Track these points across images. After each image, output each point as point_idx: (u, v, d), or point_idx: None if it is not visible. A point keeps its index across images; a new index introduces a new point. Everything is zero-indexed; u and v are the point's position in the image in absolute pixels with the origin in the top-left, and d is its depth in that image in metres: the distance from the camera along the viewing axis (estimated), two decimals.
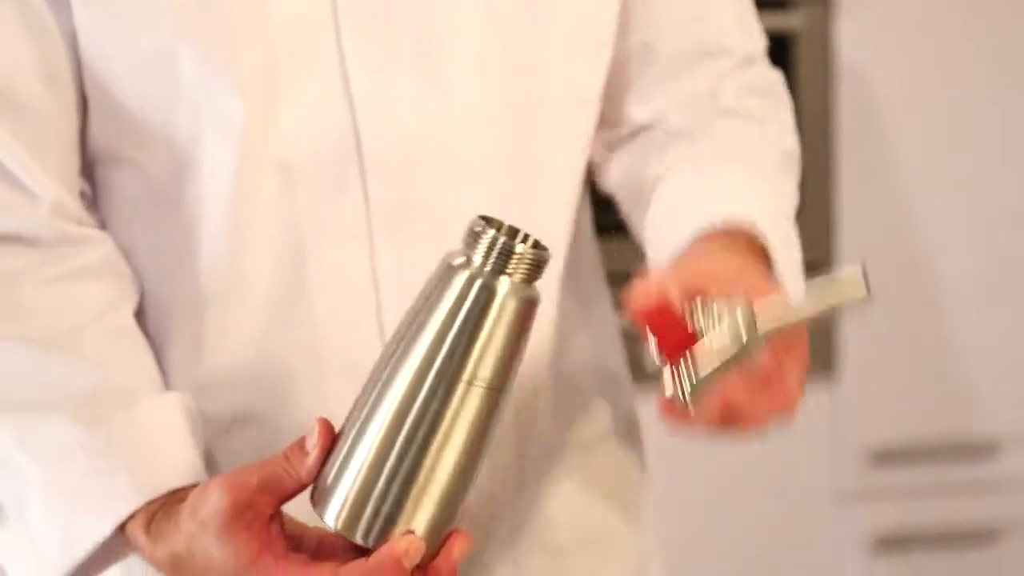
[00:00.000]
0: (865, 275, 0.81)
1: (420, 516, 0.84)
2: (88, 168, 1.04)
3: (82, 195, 1.03)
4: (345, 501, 0.84)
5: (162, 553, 0.91)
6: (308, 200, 0.99)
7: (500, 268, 0.82)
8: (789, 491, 2.22)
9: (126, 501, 0.93)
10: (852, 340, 2.21)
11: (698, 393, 0.84)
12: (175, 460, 0.96)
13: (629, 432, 1.16)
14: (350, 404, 0.87)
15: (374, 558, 0.84)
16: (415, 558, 0.84)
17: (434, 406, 0.83)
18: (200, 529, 0.88)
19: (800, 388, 0.90)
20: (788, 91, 1.14)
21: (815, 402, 2.21)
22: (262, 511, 0.87)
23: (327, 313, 1.00)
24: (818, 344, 2.18)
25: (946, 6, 2.17)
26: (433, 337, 0.82)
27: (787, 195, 1.09)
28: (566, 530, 1.10)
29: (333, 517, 0.84)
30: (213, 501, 0.87)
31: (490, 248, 0.82)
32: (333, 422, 0.88)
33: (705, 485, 2.19)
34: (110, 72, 0.98)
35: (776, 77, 1.14)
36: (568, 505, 1.10)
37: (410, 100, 0.99)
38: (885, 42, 2.17)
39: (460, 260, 0.83)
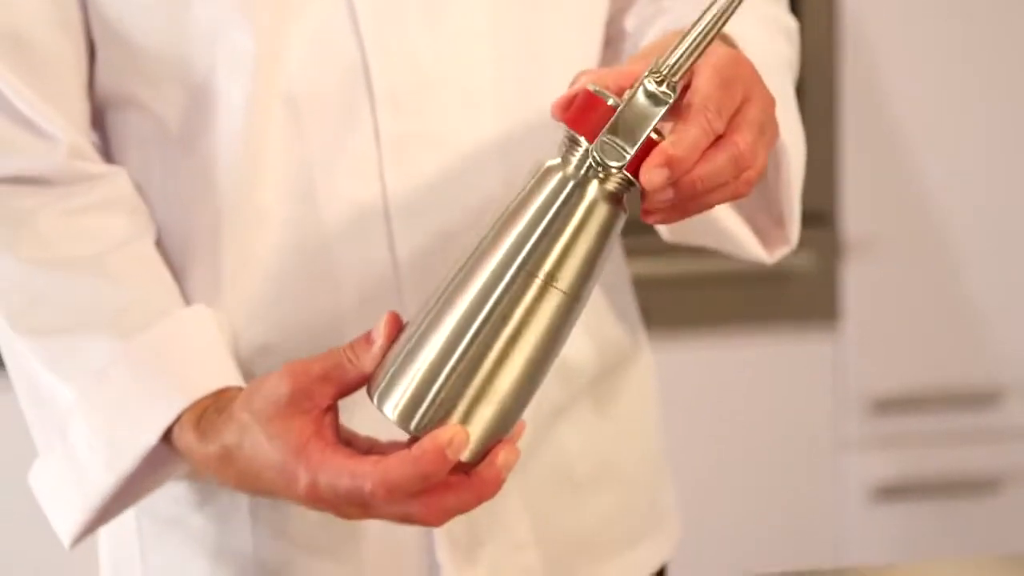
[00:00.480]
0: None
1: (476, 415, 0.83)
2: (97, 116, 1.04)
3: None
4: (405, 391, 0.83)
5: (213, 448, 0.90)
6: (318, 133, 0.99)
7: (594, 174, 0.82)
8: (792, 440, 2.23)
9: (171, 404, 0.92)
10: (855, 289, 2.21)
11: (624, 150, 0.80)
12: (217, 363, 0.96)
13: (641, 368, 1.16)
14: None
15: (417, 447, 0.83)
16: (458, 450, 0.83)
17: (507, 302, 0.82)
18: (253, 418, 0.87)
19: (758, 146, 0.84)
20: None
21: (818, 352, 2.21)
22: (319, 401, 0.86)
23: (341, 245, 1.00)
24: (821, 294, 2.19)
25: None
26: (516, 234, 0.82)
27: (779, 43, 1.06)
28: (580, 462, 1.10)
29: (392, 407, 0.84)
30: (270, 387, 0.86)
31: (586, 153, 0.82)
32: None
33: (707, 433, 2.20)
34: (122, 11, 0.98)
35: None
36: (582, 436, 1.10)
37: (417, 27, 0.99)
38: None
39: (555, 162, 0.83)
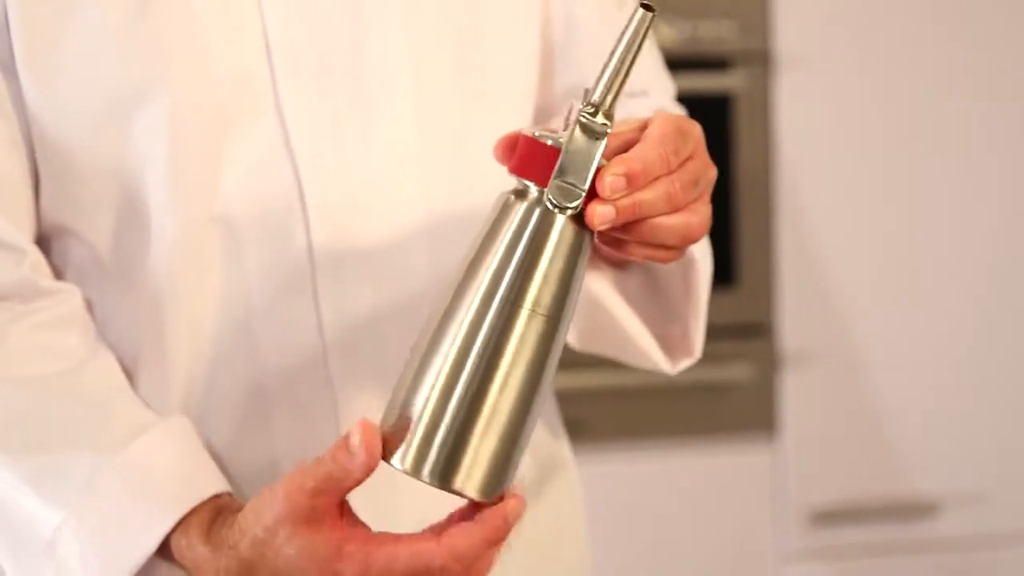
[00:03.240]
0: (645, 5, 0.83)
1: (483, 453, 0.84)
2: (41, 241, 1.04)
3: None
4: (411, 442, 0.84)
5: (226, 562, 0.89)
6: (254, 253, 0.99)
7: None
8: (731, 552, 2.22)
9: (168, 512, 0.92)
10: (793, 401, 2.21)
11: (578, 187, 0.83)
12: (207, 471, 0.96)
13: (568, 478, 1.16)
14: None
15: (480, 517, 0.85)
16: (518, 517, 0.85)
17: (497, 338, 0.83)
18: (270, 535, 0.86)
19: (691, 194, 0.87)
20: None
21: (756, 463, 2.21)
22: (326, 510, 0.86)
23: (275, 362, 1.01)
24: (759, 405, 2.20)
25: (884, 67, 2.20)
26: (494, 269, 0.84)
27: None
28: None
29: (400, 458, 0.84)
30: (278, 507, 0.86)
31: (542, 194, 0.84)
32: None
33: (646, 546, 2.19)
34: (59, 136, 0.98)
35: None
36: (511, 548, 1.09)
37: (350, 148, 1.00)
38: (824, 103, 2.19)
39: (517, 196, 0.85)
